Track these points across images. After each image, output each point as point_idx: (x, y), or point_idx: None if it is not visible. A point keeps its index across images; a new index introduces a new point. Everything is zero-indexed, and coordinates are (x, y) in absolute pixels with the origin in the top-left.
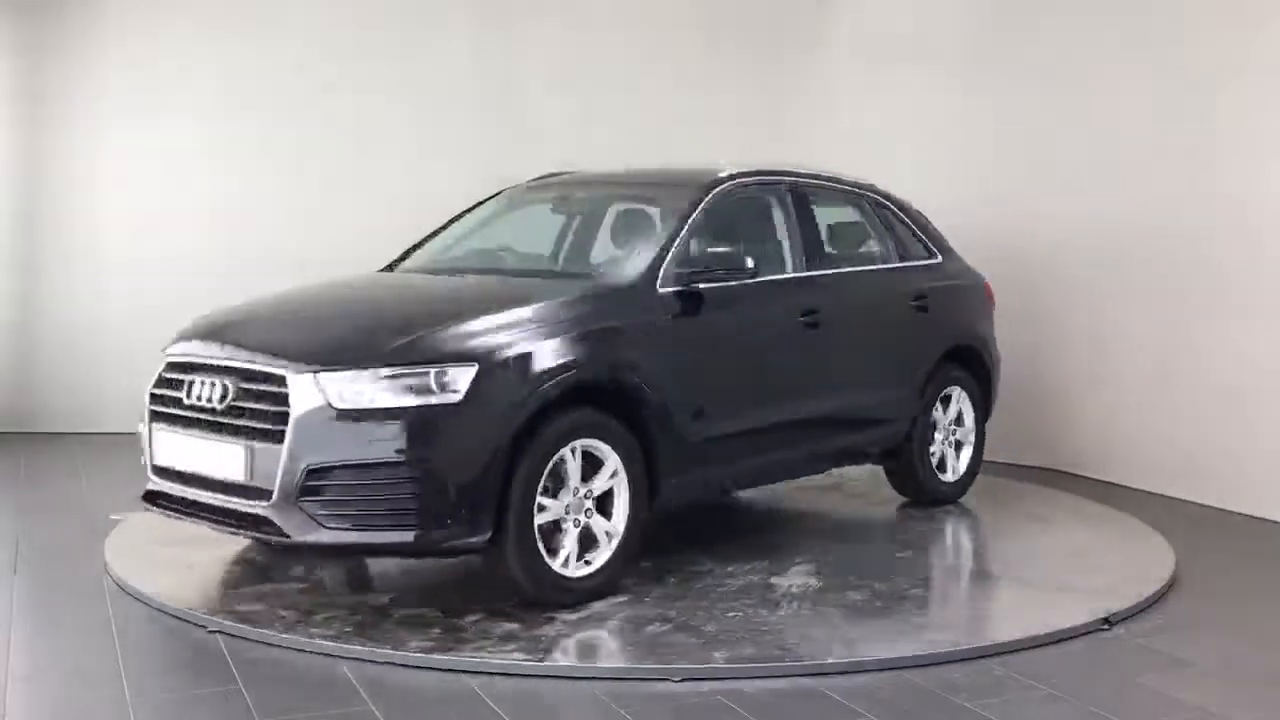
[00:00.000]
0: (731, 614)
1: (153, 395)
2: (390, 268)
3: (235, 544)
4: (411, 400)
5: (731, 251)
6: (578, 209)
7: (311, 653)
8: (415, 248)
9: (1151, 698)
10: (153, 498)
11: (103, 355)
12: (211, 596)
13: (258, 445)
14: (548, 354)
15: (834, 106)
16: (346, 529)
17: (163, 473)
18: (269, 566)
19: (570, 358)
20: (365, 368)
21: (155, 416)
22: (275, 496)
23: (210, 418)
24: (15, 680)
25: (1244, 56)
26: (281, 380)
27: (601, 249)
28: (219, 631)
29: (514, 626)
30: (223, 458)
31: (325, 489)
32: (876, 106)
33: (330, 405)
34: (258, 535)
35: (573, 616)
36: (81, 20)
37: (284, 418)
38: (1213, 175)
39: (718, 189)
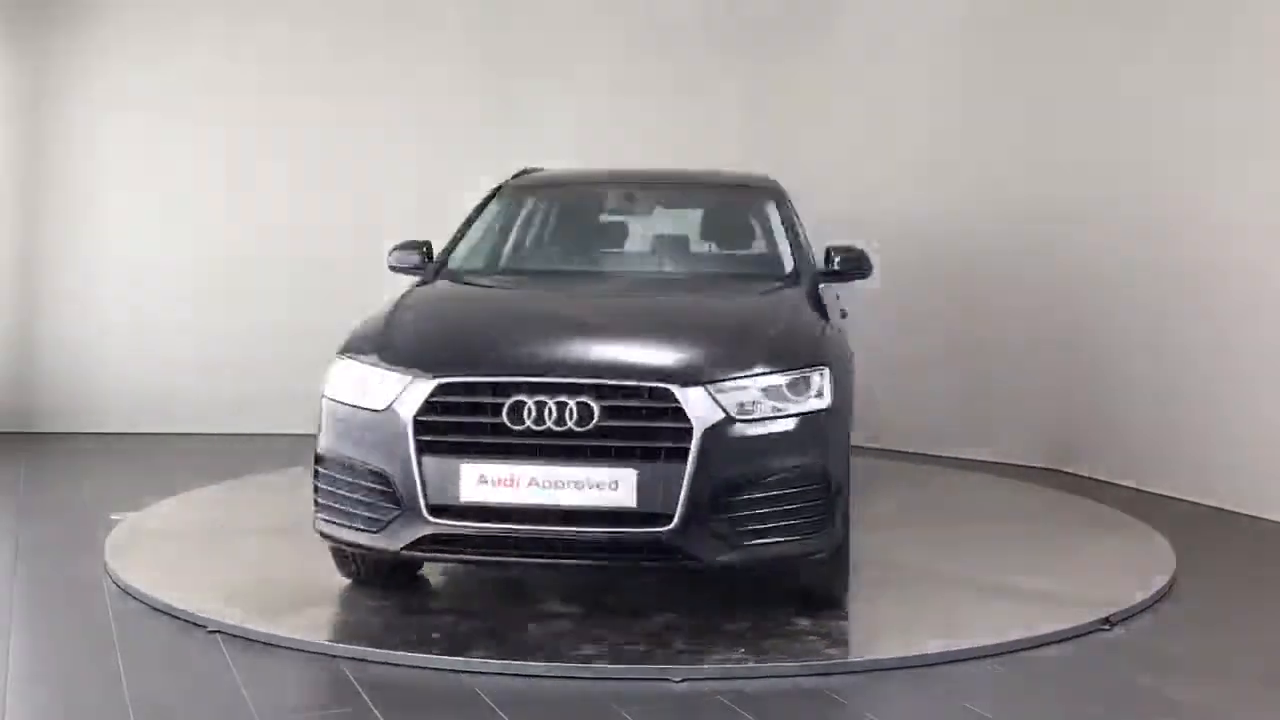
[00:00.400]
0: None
1: (422, 424)
2: (436, 273)
3: (234, 545)
4: (798, 406)
5: (861, 252)
6: (642, 210)
7: (312, 653)
8: (445, 252)
9: (1151, 698)
10: (434, 543)
11: (103, 355)
12: (212, 597)
13: (650, 466)
14: (844, 352)
15: (833, 108)
16: (756, 544)
17: (460, 512)
18: (268, 567)
19: (850, 355)
20: (753, 376)
21: (434, 448)
22: (678, 520)
23: (569, 442)
24: (15, 680)
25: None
26: (668, 395)
27: (713, 248)
28: (219, 631)
29: (833, 625)
30: (597, 484)
31: (735, 505)
32: (875, 108)
33: (731, 418)
34: (647, 563)
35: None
36: (82, 23)
37: (683, 434)
38: (1212, 176)
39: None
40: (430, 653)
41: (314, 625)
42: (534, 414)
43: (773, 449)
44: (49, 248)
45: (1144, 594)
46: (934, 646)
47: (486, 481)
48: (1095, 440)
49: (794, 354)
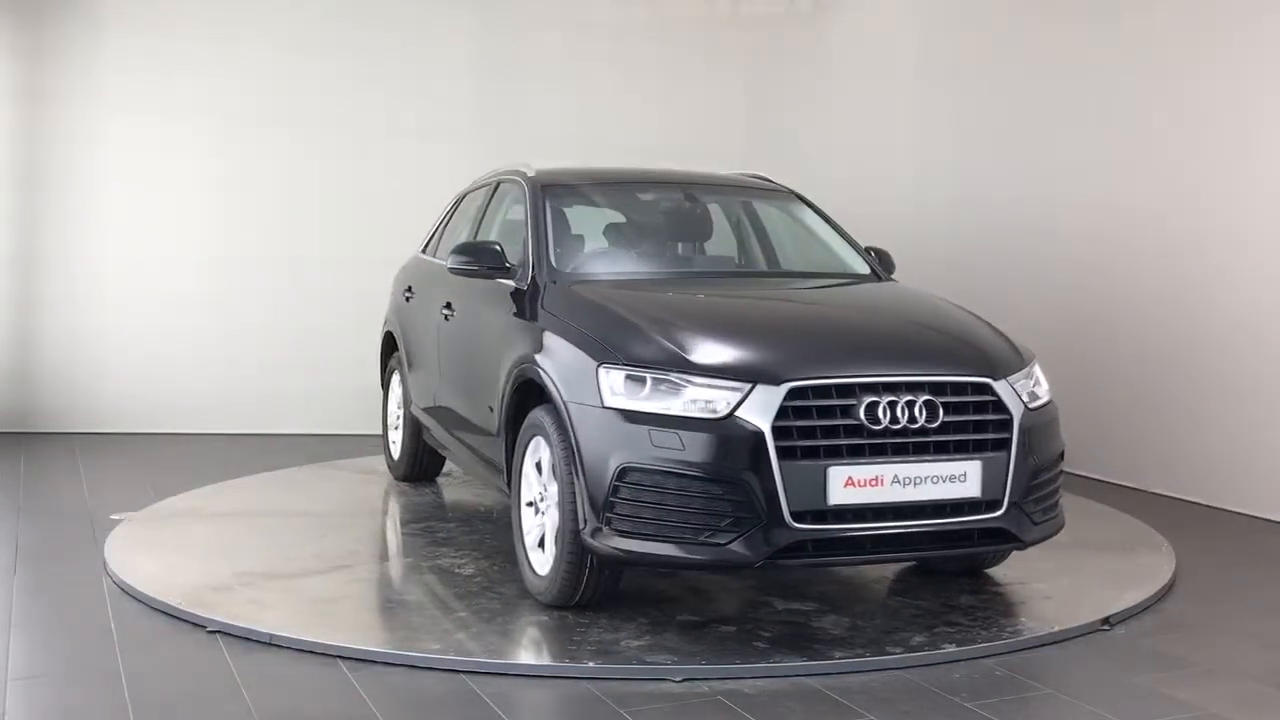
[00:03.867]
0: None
1: (780, 430)
2: (498, 275)
3: (234, 543)
4: (1045, 394)
5: (888, 253)
6: (673, 210)
7: (312, 653)
8: (539, 255)
9: (1151, 698)
10: (792, 550)
11: (103, 355)
12: (212, 597)
13: (985, 457)
14: None
15: (831, 109)
16: (1047, 522)
17: (824, 516)
18: (269, 567)
19: None
20: (1024, 369)
21: (791, 453)
22: (1006, 505)
23: (924, 439)
24: (15, 680)
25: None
26: (988, 389)
27: (773, 249)
28: (219, 631)
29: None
30: (949, 477)
31: (1035, 487)
32: (872, 109)
33: (1029, 408)
34: (978, 549)
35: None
36: (82, 23)
37: (1005, 425)
38: (1211, 177)
39: None
40: (430, 652)
41: (315, 624)
42: (889, 413)
43: (1049, 434)
44: (49, 248)
45: (1144, 594)
46: (934, 646)
47: (854, 483)
48: (1094, 441)
49: (1024, 349)
